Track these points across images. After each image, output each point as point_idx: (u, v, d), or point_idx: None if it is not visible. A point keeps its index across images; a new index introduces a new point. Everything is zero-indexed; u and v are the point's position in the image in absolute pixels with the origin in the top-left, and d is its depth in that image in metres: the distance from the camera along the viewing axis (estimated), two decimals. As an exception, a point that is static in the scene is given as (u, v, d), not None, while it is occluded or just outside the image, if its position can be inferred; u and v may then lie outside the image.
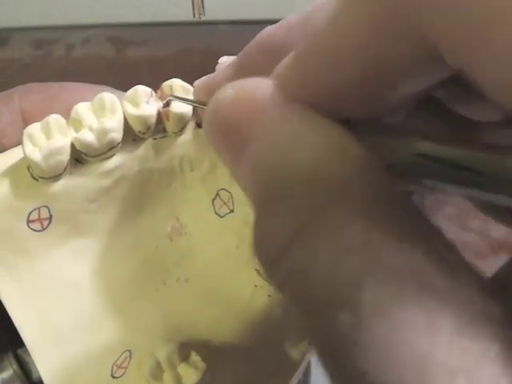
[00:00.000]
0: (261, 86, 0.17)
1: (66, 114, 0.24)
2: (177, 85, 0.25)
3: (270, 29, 0.22)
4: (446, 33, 0.13)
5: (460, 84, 0.16)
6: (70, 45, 0.60)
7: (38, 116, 0.24)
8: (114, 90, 0.28)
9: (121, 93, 0.26)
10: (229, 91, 0.17)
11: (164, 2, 0.58)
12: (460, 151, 0.14)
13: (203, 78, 0.24)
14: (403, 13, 0.13)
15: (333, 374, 0.13)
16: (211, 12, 0.51)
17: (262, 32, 0.22)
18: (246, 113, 0.16)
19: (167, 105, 0.25)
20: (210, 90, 0.22)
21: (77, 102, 0.24)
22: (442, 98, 0.18)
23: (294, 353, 0.26)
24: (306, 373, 0.52)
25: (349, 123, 0.16)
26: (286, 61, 0.17)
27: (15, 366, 0.28)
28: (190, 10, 0.52)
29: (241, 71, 0.21)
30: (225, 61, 0.25)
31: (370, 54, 0.14)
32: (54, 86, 0.30)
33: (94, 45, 0.60)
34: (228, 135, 0.17)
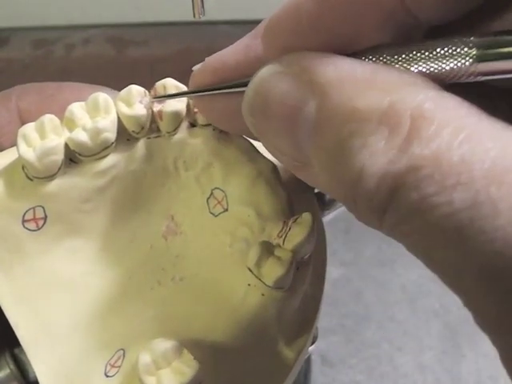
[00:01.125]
0: (303, 54, 0.17)
1: (63, 114, 0.25)
2: (170, 84, 0.25)
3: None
4: None
5: None
6: (69, 45, 0.60)
7: (36, 115, 0.24)
8: (111, 90, 0.28)
9: (118, 93, 0.26)
10: (271, 67, 0.18)
11: (164, 2, 0.58)
12: None
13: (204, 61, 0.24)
14: None
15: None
16: (211, 12, 0.51)
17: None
18: (299, 78, 0.17)
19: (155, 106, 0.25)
20: (221, 67, 0.22)
21: (73, 102, 0.25)
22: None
23: (289, 351, 0.26)
24: (307, 372, 0.52)
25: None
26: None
27: (12, 365, 0.28)
28: (190, 10, 0.52)
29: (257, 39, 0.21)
30: (198, 68, 0.24)
31: None
32: (52, 86, 0.30)
33: (94, 45, 0.60)
34: (279, 110, 0.17)
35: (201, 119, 0.26)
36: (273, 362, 0.26)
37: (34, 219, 0.25)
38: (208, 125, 0.26)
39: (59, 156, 0.24)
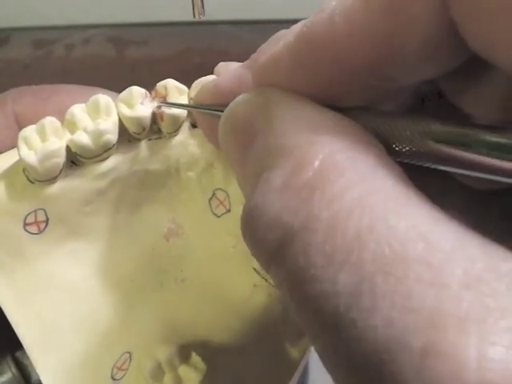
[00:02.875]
0: (271, 91, 0.17)
1: (59, 116, 0.24)
2: (171, 85, 0.25)
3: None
4: (472, 9, 0.13)
5: (464, 77, 0.16)
6: (70, 45, 0.60)
7: (32, 119, 0.24)
8: (107, 91, 0.28)
9: (114, 94, 0.26)
10: (245, 96, 0.18)
11: (164, 2, 0.58)
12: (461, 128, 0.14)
13: (209, 79, 0.24)
14: None
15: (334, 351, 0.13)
16: (211, 12, 0.51)
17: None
18: (255, 111, 0.17)
19: (159, 108, 0.25)
20: (216, 92, 0.22)
21: (69, 104, 0.24)
22: (445, 91, 0.18)
23: (294, 352, 0.26)
24: (304, 372, 0.52)
25: (341, 110, 0.16)
26: (275, 53, 0.17)
27: (14, 369, 0.28)
28: (190, 10, 0.51)
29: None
30: (223, 65, 0.25)
31: (385, 35, 0.15)
32: (47, 89, 0.30)
33: (93, 45, 0.59)
34: (239, 133, 0.18)
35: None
36: (278, 361, 0.26)
37: (36, 222, 0.25)
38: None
39: (61, 159, 0.24)
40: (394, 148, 0.16)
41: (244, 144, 0.17)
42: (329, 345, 0.13)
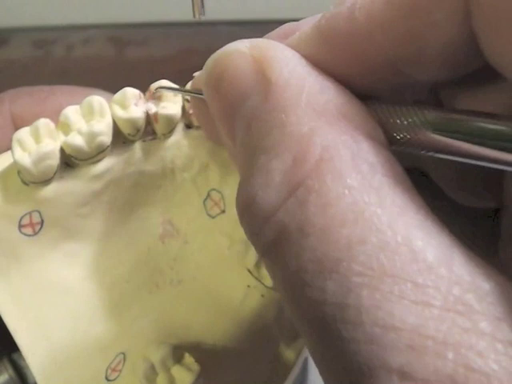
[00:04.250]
0: (279, 48, 0.16)
1: (56, 118, 0.24)
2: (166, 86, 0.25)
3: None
4: (493, 22, 0.13)
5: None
6: (70, 45, 0.60)
7: (29, 119, 0.24)
8: (104, 92, 0.28)
9: (112, 95, 0.26)
10: (241, 44, 0.17)
11: (164, 2, 0.58)
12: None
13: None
14: None
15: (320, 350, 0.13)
16: (211, 12, 0.51)
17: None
18: (261, 67, 0.16)
19: (159, 98, 0.25)
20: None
21: (67, 106, 0.24)
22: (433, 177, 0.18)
23: (288, 353, 0.26)
24: (304, 372, 0.52)
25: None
26: (308, 32, 0.17)
27: (10, 370, 0.28)
28: (190, 10, 0.51)
29: None
30: (198, 75, 0.24)
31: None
32: (44, 90, 0.30)
33: (93, 45, 0.59)
34: (230, 85, 0.16)
35: (196, 121, 0.26)
36: (273, 362, 0.26)
37: (31, 224, 0.25)
38: (204, 126, 0.26)
39: (55, 160, 0.23)
40: (395, 136, 0.16)
41: (231, 102, 0.16)
42: (316, 348, 0.13)
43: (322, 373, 0.14)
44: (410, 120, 0.15)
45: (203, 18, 0.51)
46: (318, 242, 0.13)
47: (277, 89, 0.15)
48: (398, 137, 0.16)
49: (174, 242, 0.28)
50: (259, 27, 0.60)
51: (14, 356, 0.29)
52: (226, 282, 0.26)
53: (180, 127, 0.26)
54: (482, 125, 0.14)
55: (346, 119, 0.15)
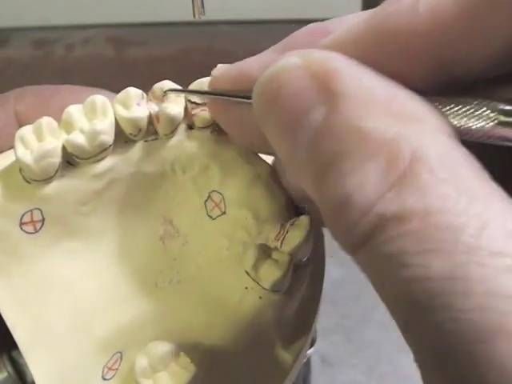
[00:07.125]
0: (335, 58, 0.17)
1: (61, 116, 0.24)
2: (168, 87, 0.25)
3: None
4: None
5: None
6: (70, 45, 0.60)
7: (33, 118, 0.24)
8: (109, 92, 0.28)
9: (115, 95, 0.26)
10: (293, 59, 0.17)
11: (164, 2, 0.58)
12: None
13: (226, 66, 0.24)
14: None
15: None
16: (211, 12, 0.51)
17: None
18: (323, 81, 0.16)
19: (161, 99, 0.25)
20: (243, 78, 0.22)
21: (71, 105, 0.25)
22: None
23: (286, 354, 0.26)
24: (306, 372, 0.52)
25: None
26: (354, 30, 0.17)
27: (10, 368, 0.28)
28: (190, 10, 0.52)
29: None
30: (221, 66, 0.24)
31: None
32: (49, 89, 0.30)
33: (93, 45, 0.60)
34: (289, 100, 0.17)
35: (198, 122, 0.26)
36: (270, 365, 0.26)
37: (32, 222, 0.25)
38: (205, 127, 0.26)
39: (57, 159, 0.24)
40: (459, 128, 0.16)
41: (289, 120, 0.17)
42: (419, 327, 0.14)
43: (419, 350, 0.14)
44: (480, 111, 0.16)
45: (203, 18, 0.51)
46: (420, 227, 0.14)
47: (345, 100, 0.16)
48: (464, 127, 0.16)
49: (174, 242, 0.28)
50: (259, 27, 0.60)
51: (14, 354, 0.29)
52: (225, 283, 0.26)
53: (182, 128, 0.26)
54: None
55: (421, 119, 0.15)
